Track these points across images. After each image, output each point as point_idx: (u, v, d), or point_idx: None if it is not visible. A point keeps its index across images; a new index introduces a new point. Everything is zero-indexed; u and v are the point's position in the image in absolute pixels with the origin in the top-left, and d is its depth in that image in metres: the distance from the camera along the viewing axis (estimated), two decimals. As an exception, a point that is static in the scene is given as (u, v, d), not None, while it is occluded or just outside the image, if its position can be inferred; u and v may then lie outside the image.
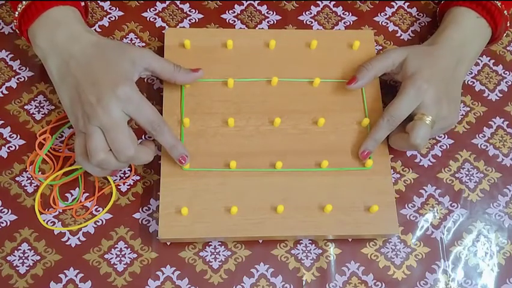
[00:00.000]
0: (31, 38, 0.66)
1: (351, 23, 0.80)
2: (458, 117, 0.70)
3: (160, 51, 0.75)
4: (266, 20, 0.79)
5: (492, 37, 0.73)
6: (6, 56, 0.73)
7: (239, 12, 0.79)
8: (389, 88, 0.74)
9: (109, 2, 0.78)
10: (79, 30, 0.65)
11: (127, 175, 0.69)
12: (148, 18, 0.77)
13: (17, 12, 0.66)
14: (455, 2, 0.72)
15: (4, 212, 0.66)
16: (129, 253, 0.65)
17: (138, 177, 0.69)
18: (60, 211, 0.66)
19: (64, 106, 0.64)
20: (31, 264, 0.64)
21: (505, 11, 0.71)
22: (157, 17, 0.78)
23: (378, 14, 0.81)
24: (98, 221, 0.66)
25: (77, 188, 0.67)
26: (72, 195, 0.67)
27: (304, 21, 0.79)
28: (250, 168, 0.67)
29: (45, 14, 0.64)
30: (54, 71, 0.64)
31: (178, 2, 0.79)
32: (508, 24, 0.73)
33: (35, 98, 0.71)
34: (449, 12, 0.73)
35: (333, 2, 0.81)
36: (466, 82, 0.77)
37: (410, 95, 0.66)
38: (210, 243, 0.66)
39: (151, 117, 0.62)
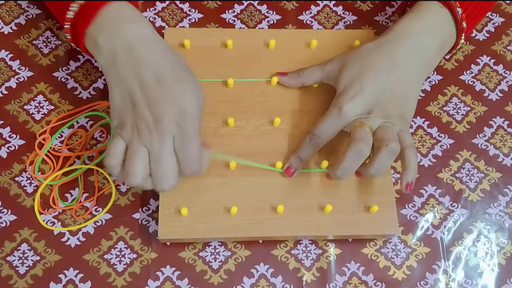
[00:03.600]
0: (92, 36, 0.61)
1: (351, 22, 0.80)
2: (411, 115, 0.66)
3: (159, 51, 0.74)
4: (266, 20, 0.79)
5: (457, 34, 0.68)
6: (6, 56, 0.73)
7: (239, 12, 0.79)
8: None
9: (108, 1, 0.77)
10: (149, 30, 0.61)
11: (126, 175, 0.68)
12: (147, 18, 0.77)
13: (71, 13, 0.61)
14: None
15: (4, 212, 0.66)
16: (129, 253, 0.65)
17: (138, 177, 0.69)
18: (60, 211, 0.66)
19: (111, 103, 0.61)
20: (31, 265, 0.64)
21: (464, 22, 0.67)
22: (156, 17, 0.78)
23: (379, 14, 0.81)
24: (98, 221, 0.66)
25: (77, 188, 0.67)
26: (72, 195, 0.67)
27: (304, 21, 0.79)
28: (251, 167, 0.67)
29: (107, 8, 0.60)
30: (111, 67, 0.60)
31: (177, 2, 0.79)
32: (463, 38, 0.69)
33: (35, 98, 0.71)
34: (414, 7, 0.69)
35: (333, 2, 0.81)
36: (467, 82, 0.77)
37: (332, 116, 0.64)
38: (209, 244, 0.66)
39: (192, 160, 0.60)
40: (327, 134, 0.65)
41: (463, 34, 0.68)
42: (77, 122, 0.70)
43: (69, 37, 0.64)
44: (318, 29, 0.79)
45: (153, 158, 0.58)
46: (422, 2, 0.68)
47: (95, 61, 0.69)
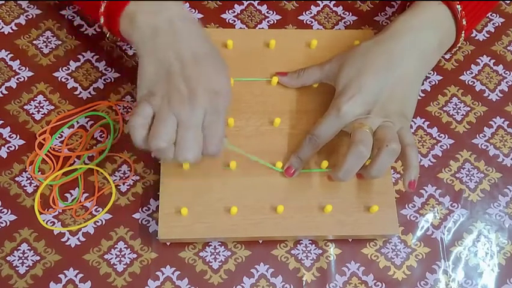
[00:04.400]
0: (130, 14, 0.61)
1: (352, 22, 0.80)
2: (411, 113, 0.66)
3: (160, 51, 0.75)
4: (266, 20, 0.79)
5: (456, 31, 0.68)
6: (6, 56, 0.73)
7: (239, 12, 0.79)
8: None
9: (108, 1, 0.78)
10: (187, 11, 0.63)
11: (126, 175, 0.68)
12: (148, 18, 0.77)
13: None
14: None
15: (4, 212, 0.66)
16: (129, 253, 0.65)
17: (138, 178, 0.69)
18: (60, 211, 0.66)
19: (142, 73, 0.61)
20: (31, 265, 0.64)
21: (464, 20, 0.67)
22: (157, 17, 0.78)
23: (379, 14, 0.81)
24: (98, 221, 0.66)
25: (77, 188, 0.67)
26: (72, 195, 0.67)
27: (305, 21, 0.79)
28: (251, 167, 0.67)
29: None
30: (148, 41, 0.61)
31: (178, 2, 0.79)
32: (463, 37, 0.68)
33: (35, 98, 0.71)
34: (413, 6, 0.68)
35: (333, 2, 0.81)
36: (467, 82, 0.77)
37: (331, 116, 0.64)
38: (209, 244, 0.66)
39: (217, 138, 0.60)
40: (326, 135, 0.65)
41: (463, 32, 0.68)
42: (77, 122, 0.70)
43: (102, 21, 0.65)
44: (318, 29, 0.79)
45: (181, 126, 0.58)
46: (421, 1, 0.67)
47: (128, 46, 0.72)
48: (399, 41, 0.66)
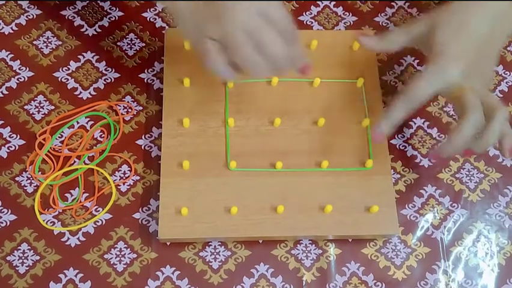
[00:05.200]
0: None
1: (352, 23, 0.80)
2: (492, 76, 0.65)
3: (160, 52, 0.75)
4: (266, 20, 0.79)
5: None
6: (6, 56, 0.73)
7: (239, 13, 0.79)
8: (389, 88, 0.74)
9: (109, 2, 0.78)
10: None
11: (126, 175, 0.68)
12: (148, 19, 0.77)
13: None
14: None
15: (4, 212, 0.66)
16: (129, 253, 0.65)
17: (138, 177, 0.69)
18: (60, 211, 0.66)
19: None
20: (31, 264, 0.64)
21: None
22: (157, 17, 0.78)
23: (379, 15, 0.81)
24: (98, 221, 0.66)
25: (77, 188, 0.67)
26: (72, 195, 0.67)
27: (305, 22, 0.79)
28: (250, 168, 0.67)
29: None
30: None
31: (178, 2, 0.79)
32: None
33: (35, 98, 0.71)
34: None
35: (333, 2, 0.81)
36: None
37: (431, 74, 0.60)
38: (209, 243, 0.66)
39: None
40: (424, 95, 0.61)
41: None
42: (77, 122, 0.70)
43: None
44: (318, 29, 0.79)
45: (252, 32, 0.55)
46: None
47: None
48: (484, 8, 0.62)
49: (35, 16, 0.76)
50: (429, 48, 0.63)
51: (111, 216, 0.66)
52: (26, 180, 0.67)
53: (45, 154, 0.68)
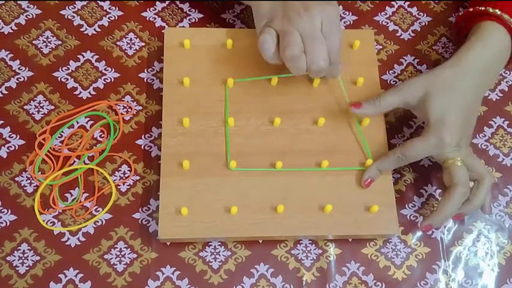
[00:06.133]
0: None
1: (352, 22, 0.80)
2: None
3: (159, 51, 0.75)
4: (266, 20, 0.79)
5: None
6: (6, 56, 0.73)
7: (239, 12, 0.79)
8: (389, 88, 0.74)
9: (108, 1, 0.78)
10: None
11: (126, 175, 0.68)
12: (147, 18, 0.77)
13: None
14: (484, 17, 0.68)
15: (4, 212, 0.66)
16: (129, 253, 0.65)
17: (138, 177, 0.69)
18: (60, 211, 0.66)
19: (258, 9, 0.67)
20: (31, 265, 0.64)
21: None
22: (156, 17, 0.78)
23: (379, 14, 0.81)
24: (98, 221, 0.66)
25: (77, 188, 0.67)
26: (72, 195, 0.67)
27: (305, 21, 0.79)
28: (250, 168, 0.67)
29: None
30: None
31: (177, 2, 0.79)
32: None
33: (35, 98, 0.71)
34: (476, 28, 0.69)
35: (333, 2, 0.81)
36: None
37: (430, 143, 0.64)
38: (209, 243, 0.66)
39: (336, 47, 0.65)
40: (416, 157, 0.66)
41: None
42: (77, 122, 0.70)
43: None
44: (318, 29, 0.79)
45: (307, 38, 0.63)
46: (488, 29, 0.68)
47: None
48: (472, 75, 0.66)
49: (34, 16, 0.76)
50: (422, 111, 0.66)
51: (111, 216, 0.66)
52: (26, 180, 0.67)
53: (45, 154, 0.68)
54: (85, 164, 0.68)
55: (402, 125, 0.74)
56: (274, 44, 0.64)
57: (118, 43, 0.75)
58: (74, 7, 0.77)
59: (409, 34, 0.80)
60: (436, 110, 0.64)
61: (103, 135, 0.70)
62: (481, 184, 0.65)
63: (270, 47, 0.64)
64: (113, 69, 0.74)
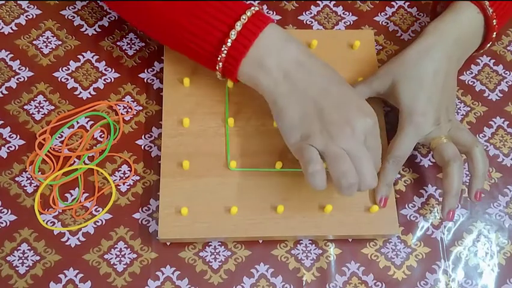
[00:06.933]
0: (257, 58, 0.61)
1: (352, 22, 0.80)
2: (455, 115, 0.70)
3: (160, 51, 0.75)
4: (266, 20, 0.79)
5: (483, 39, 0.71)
6: (6, 56, 0.73)
7: (239, 12, 0.79)
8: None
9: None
10: (303, 46, 0.64)
11: (126, 175, 0.68)
12: (147, 18, 0.77)
13: (233, 32, 0.60)
14: None
15: (4, 212, 0.66)
16: (129, 253, 0.65)
17: (138, 177, 0.69)
18: (60, 211, 0.66)
19: (288, 120, 0.61)
20: (31, 265, 0.64)
21: (494, 20, 0.69)
22: (157, 17, 0.78)
23: (379, 14, 0.81)
24: (98, 221, 0.66)
25: (77, 188, 0.67)
26: (72, 195, 0.67)
27: (304, 21, 0.79)
28: (250, 168, 0.67)
29: (268, 29, 0.62)
30: (281, 86, 0.61)
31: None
32: (494, 36, 0.70)
33: (35, 98, 0.71)
34: (449, 7, 0.70)
35: (333, 2, 0.81)
36: (467, 82, 0.77)
37: (410, 134, 0.65)
38: (209, 244, 0.66)
39: (379, 157, 0.64)
40: (407, 152, 0.66)
41: (494, 33, 0.70)
42: (77, 122, 0.70)
43: (220, 66, 0.63)
44: (318, 29, 0.79)
45: (355, 158, 0.58)
46: (459, 7, 0.69)
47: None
48: (443, 48, 0.66)
49: (34, 16, 0.76)
50: (393, 100, 0.67)
51: (111, 216, 0.66)
52: (26, 180, 0.67)
53: (45, 154, 0.68)
54: (85, 164, 0.68)
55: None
56: (324, 171, 0.58)
57: (118, 43, 0.75)
58: (74, 7, 0.77)
59: (409, 34, 0.80)
60: (405, 96, 0.65)
61: (103, 136, 0.70)
62: (472, 156, 0.65)
63: (322, 179, 0.58)
64: (113, 70, 0.74)
